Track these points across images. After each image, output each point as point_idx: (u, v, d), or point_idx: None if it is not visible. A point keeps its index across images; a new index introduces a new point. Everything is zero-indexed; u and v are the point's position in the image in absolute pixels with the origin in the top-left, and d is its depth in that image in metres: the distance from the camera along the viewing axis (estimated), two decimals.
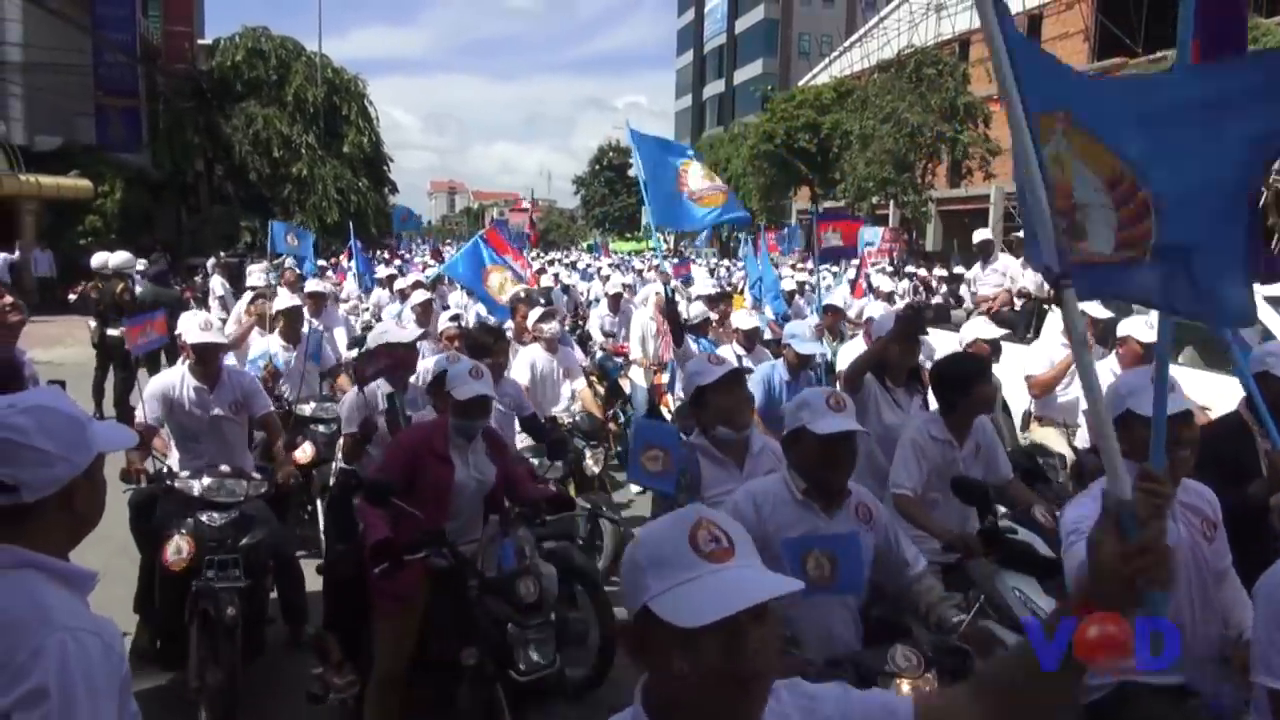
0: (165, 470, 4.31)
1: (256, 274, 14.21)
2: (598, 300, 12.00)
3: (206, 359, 4.52)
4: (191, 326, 4.55)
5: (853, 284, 11.97)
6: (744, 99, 59.78)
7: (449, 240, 59.40)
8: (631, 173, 70.44)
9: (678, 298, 14.58)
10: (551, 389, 6.56)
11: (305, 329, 6.88)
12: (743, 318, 7.45)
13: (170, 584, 3.95)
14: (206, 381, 4.53)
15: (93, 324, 9.91)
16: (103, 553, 4.14)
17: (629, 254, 39.79)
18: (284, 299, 7.10)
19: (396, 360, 4.65)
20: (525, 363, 6.38)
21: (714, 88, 68.06)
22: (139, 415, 4.51)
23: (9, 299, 4.16)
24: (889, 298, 10.75)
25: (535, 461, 5.27)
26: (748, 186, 38.75)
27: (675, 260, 30.23)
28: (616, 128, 79.44)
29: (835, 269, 16.65)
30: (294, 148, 29.09)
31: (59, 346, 11.65)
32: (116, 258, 10.21)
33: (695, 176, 6.79)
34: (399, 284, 11.29)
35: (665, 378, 7.89)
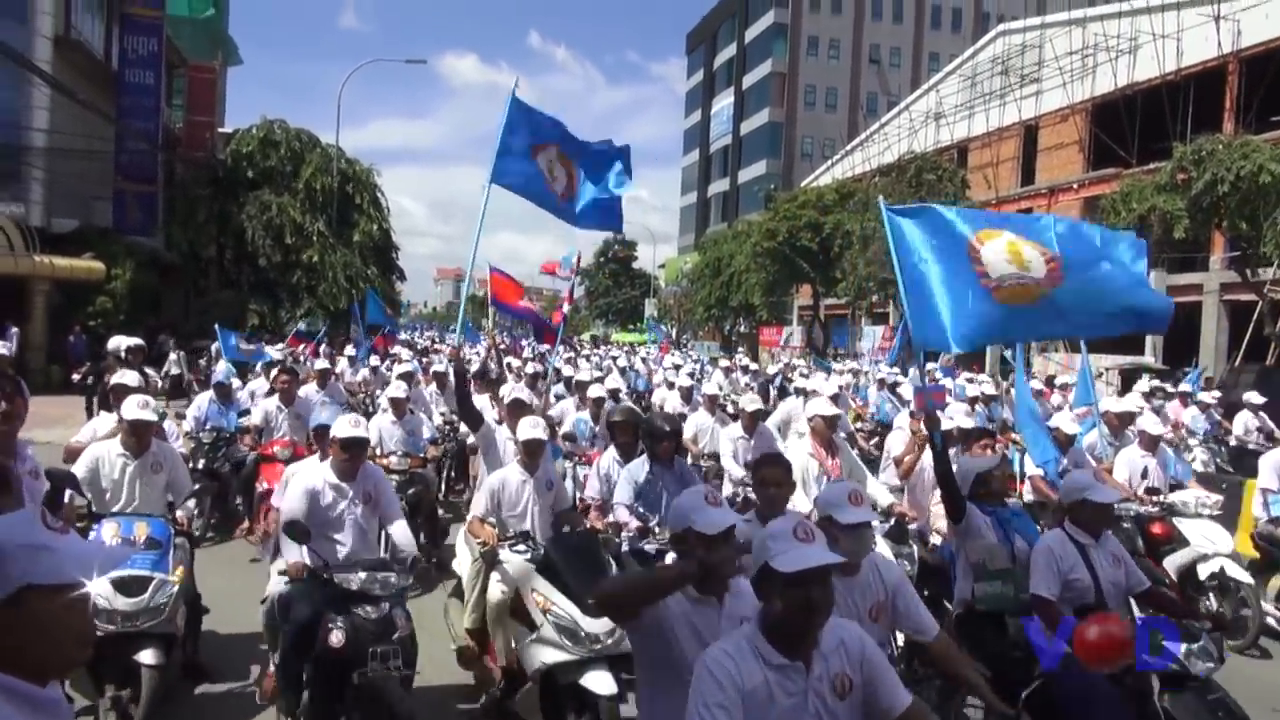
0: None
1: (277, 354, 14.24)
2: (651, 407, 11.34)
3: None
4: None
5: None
6: (748, 197, 61.13)
7: (451, 328, 59.72)
8: (636, 265, 71.40)
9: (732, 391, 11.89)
10: None
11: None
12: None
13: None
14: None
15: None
16: None
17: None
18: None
19: None
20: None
21: (719, 186, 69.69)
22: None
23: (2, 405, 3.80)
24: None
25: None
26: (750, 282, 39.29)
27: (672, 352, 30.31)
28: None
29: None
30: (306, 234, 29.57)
31: (59, 427, 11.61)
32: (113, 341, 10.27)
33: (999, 254, 4.24)
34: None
35: None
